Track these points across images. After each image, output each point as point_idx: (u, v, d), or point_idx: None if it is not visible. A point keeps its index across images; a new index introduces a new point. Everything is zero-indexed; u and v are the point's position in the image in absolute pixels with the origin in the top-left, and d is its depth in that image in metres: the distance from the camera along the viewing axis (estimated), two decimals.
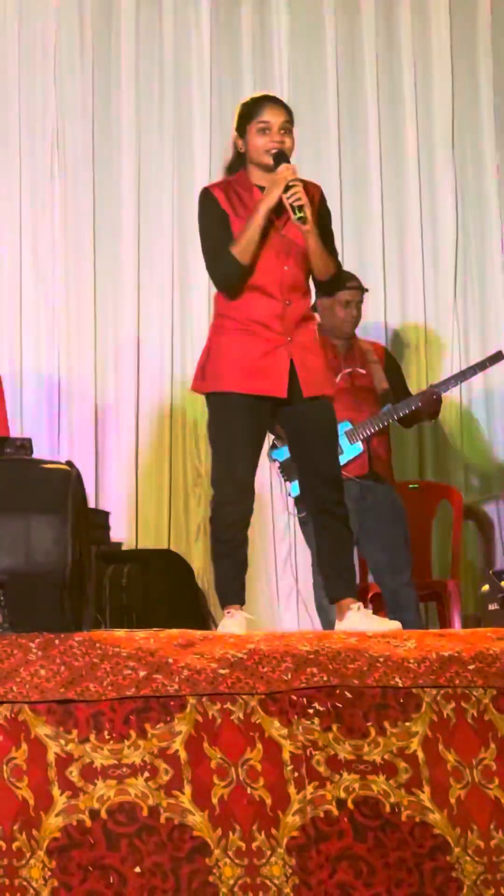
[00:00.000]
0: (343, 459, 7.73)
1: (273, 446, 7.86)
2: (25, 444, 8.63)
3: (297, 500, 7.72)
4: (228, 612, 6.22)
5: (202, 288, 9.63)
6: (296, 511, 7.92)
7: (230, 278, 6.30)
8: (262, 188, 6.32)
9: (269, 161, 6.30)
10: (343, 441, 7.80)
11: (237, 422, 6.29)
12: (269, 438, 7.41)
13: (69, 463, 5.42)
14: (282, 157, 6.24)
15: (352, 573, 6.43)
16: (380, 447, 8.02)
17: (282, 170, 6.21)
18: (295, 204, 6.15)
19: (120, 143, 9.80)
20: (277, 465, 7.96)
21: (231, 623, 6.15)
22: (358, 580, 7.78)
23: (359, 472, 7.92)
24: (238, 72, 9.95)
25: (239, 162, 6.48)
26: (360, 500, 7.90)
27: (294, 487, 7.84)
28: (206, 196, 6.45)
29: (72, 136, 9.75)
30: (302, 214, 6.15)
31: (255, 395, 6.26)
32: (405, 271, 9.96)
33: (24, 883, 4.43)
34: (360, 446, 7.88)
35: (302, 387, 6.28)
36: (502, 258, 10.07)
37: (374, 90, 10.00)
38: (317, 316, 6.48)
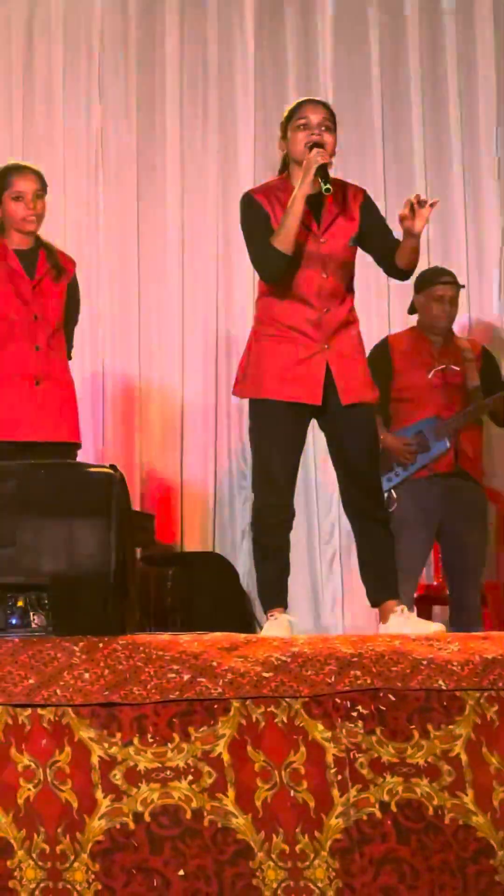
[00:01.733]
0: (430, 456, 7.79)
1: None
2: (71, 448, 8.66)
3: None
4: (272, 616, 6.23)
5: (246, 288, 9.64)
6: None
7: (276, 269, 6.30)
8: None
9: (304, 156, 6.31)
10: (430, 437, 7.82)
11: (275, 428, 6.32)
12: None
13: (113, 467, 5.43)
14: (316, 145, 6.25)
15: (394, 575, 6.43)
16: (468, 444, 7.98)
17: (312, 154, 6.22)
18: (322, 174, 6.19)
19: (164, 145, 9.82)
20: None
21: (274, 626, 6.16)
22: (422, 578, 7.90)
23: (445, 468, 7.92)
24: (282, 74, 9.96)
25: (284, 167, 6.51)
26: (445, 497, 7.91)
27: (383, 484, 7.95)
28: (248, 200, 6.47)
29: (115, 138, 9.78)
30: (328, 186, 6.16)
31: (291, 401, 6.28)
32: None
33: (68, 886, 4.45)
34: (447, 443, 7.87)
35: (340, 395, 6.30)
36: None
37: (419, 93, 9.99)
38: (358, 321, 6.47)
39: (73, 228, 9.67)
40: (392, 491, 7.87)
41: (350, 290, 6.46)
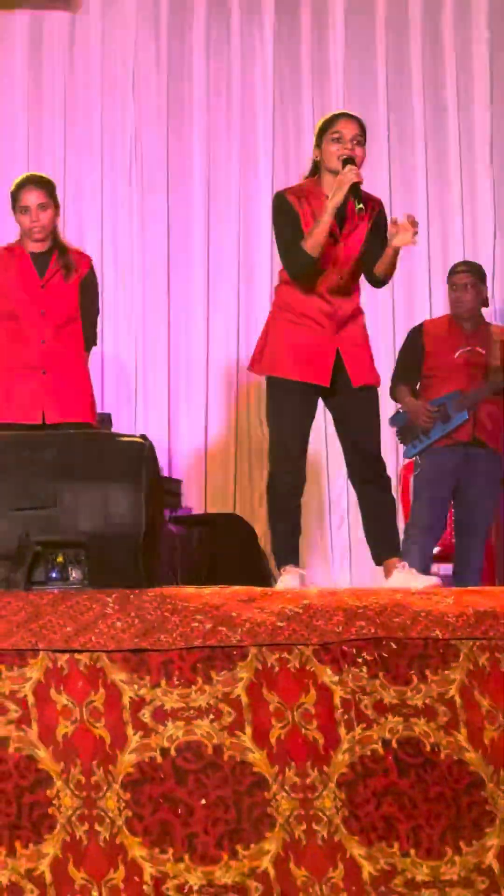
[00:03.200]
0: (450, 425, 7.82)
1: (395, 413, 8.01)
2: (106, 420, 8.67)
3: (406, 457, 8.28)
4: (285, 571, 6.23)
5: (264, 279, 9.67)
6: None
7: (303, 269, 6.27)
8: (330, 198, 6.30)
9: (339, 166, 6.27)
10: (452, 409, 7.85)
11: (289, 403, 6.32)
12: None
13: (143, 436, 5.42)
14: (349, 161, 6.21)
15: (396, 535, 6.44)
16: (486, 417, 7.98)
17: (346, 171, 6.18)
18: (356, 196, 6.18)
19: (192, 151, 9.86)
20: (396, 430, 8.08)
21: (287, 580, 6.17)
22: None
23: (464, 437, 7.93)
24: (297, 84, 9.98)
25: (314, 172, 6.45)
26: (463, 463, 7.93)
27: (407, 452, 8.17)
28: (281, 199, 6.42)
29: (148, 145, 9.81)
30: (361, 206, 6.14)
31: (304, 381, 6.27)
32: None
33: (102, 813, 4.43)
34: (465, 414, 7.88)
35: (351, 378, 6.29)
36: None
37: (421, 102, 10.00)
38: (363, 312, 6.48)
39: (110, 225, 9.70)
40: (417, 457, 7.95)
41: (357, 285, 6.46)
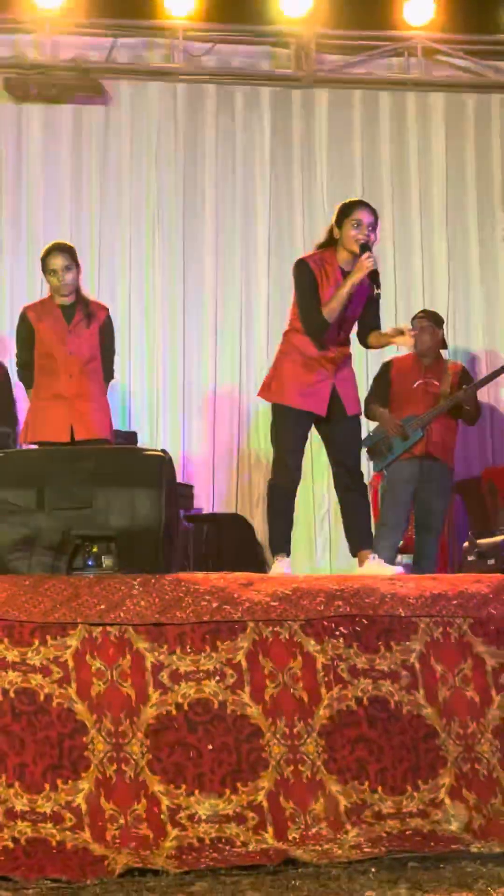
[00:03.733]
0: (409, 442, 7.83)
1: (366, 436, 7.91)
2: (131, 437, 8.67)
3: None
4: (279, 559, 6.22)
5: (262, 322, 9.68)
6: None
7: (319, 331, 6.25)
8: (343, 270, 6.26)
9: (357, 249, 6.24)
10: (409, 429, 7.85)
11: (290, 426, 6.30)
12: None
13: (163, 450, 5.42)
14: (366, 247, 6.19)
15: (368, 531, 6.41)
16: (435, 434, 7.98)
17: (364, 258, 6.17)
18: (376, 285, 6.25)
19: (204, 218, 9.82)
20: (366, 450, 7.95)
21: (281, 566, 6.15)
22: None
23: (419, 452, 7.93)
24: (289, 165, 9.94)
25: (328, 243, 6.36)
26: (419, 473, 7.93)
27: (375, 466, 8.13)
28: (303, 266, 6.33)
29: (168, 213, 9.78)
30: (379, 291, 6.22)
31: (305, 410, 6.26)
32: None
33: (127, 756, 4.43)
34: (420, 432, 7.90)
35: (346, 408, 6.30)
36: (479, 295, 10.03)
37: (389, 181, 9.97)
38: (351, 355, 6.48)
39: (136, 278, 9.69)
40: (384, 470, 7.94)
41: (349, 339, 6.45)
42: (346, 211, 6.33)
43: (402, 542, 8.11)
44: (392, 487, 7.98)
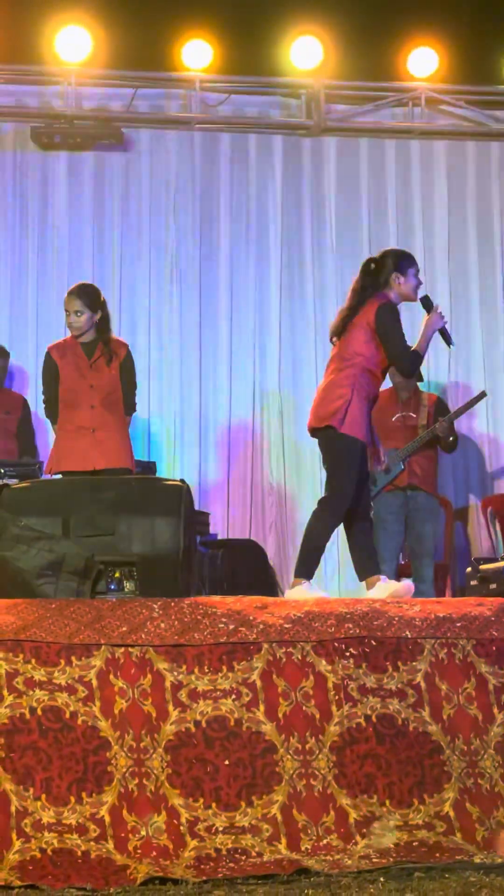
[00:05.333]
0: (392, 475, 7.85)
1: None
2: (151, 466, 8.69)
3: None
4: (308, 584, 6.17)
5: (275, 357, 9.69)
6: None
7: (417, 365, 6.42)
8: None
9: (416, 298, 6.39)
10: (391, 462, 7.87)
11: (358, 460, 6.26)
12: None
13: (182, 480, 5.45)
14: (428, 302, 6.41)
15: (375, 558, 6.38)
16: (416, 466, 8.03)
17: (437, 315, 6.34)
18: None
19: (219, 258, 9.84)
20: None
21: (310, 590, 6.11)
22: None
23: (402, 483, 7.96)
24: (300, 209, 9.96)
25: (374, 284, 6.37)
26: (405, 504, 7.96)
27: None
28: (394, 309, 6.34)
29: (185, 254, 9.79)
30: (452, 345, 6.53)
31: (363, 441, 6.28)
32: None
33: (148, 770, 4.45)
34: (401, 465, 7.93)
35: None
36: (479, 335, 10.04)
37: (395, 224, 9.98)
38: None
39: (155, 316, 9.72)
40: (370, 502, 7.95)
41: None
42: (409, 261, 6.41)
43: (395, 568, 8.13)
44: (382, 520, 7.96)
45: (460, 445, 8.92)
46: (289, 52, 9.68)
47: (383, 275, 6.35)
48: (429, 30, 9.69)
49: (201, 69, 9.68)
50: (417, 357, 6.34)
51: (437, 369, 9.84)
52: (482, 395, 8.77)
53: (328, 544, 6.35)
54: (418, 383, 8.35)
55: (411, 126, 10.01)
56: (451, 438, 8.29)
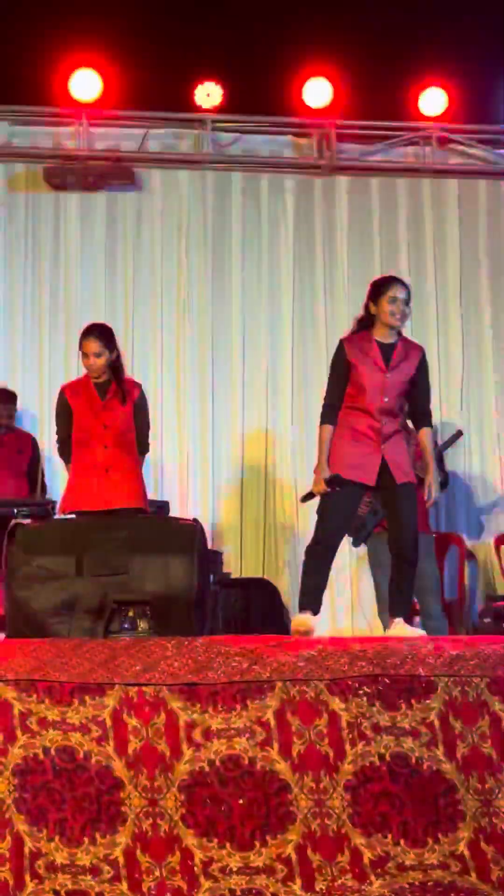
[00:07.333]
0: (380, 516, 7.79)
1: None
2: (164, 506, 8.71)
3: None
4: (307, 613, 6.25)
5: (287, 396, 9.72)
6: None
7: (324, 411, 6.50)
8: (381, 344, 6.37)
9: (394, 322, 6.36)
10: (377, 503, 7.81)
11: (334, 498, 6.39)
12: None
13: (195, 520, 5.46)
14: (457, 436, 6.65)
15: (403, 599, 6.43)
16: None
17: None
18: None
19: (231, 298, 9.89)
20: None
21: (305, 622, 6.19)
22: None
23: None
24: (311, 248, 10.01)
25: (368, 320, 6.48)
26: None
27: (354, 542, 7.89)
28: (339, 345, 6.49)
29: (197, 293, 9.85)
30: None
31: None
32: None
33: (162, 810, 4.44)
34: None
35: (394, 475, 6.34)
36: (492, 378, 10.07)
37: (406, 262, 10.03)
38: (404, 429, 6.54)
39: (168, 355, 9.76)
40: (364, 545, 7.93)
41: (401, 412, 6.50)
42: (381, 287, 6.42)
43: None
44: (380, 562, 7.92)
45: (474, 482, 8.94)
46: (300, 92, 9.76)
47: (370, 309, 6.46)
48: (439, 69, 9.78)
49: (213, 109, 9.77)
50: (325, 407, 6.43)
51: (480, 409, 9.88)
52: (458, 434, 8.72)
53: (343, 583, 6.38)
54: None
55: (422, 165, 10.07)
56: (437, 477, 8.26)
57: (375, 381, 6.34)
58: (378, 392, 6.33)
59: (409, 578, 6.38)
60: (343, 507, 6.40)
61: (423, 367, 6.45)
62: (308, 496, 6.58)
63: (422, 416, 6.54)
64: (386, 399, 6.34)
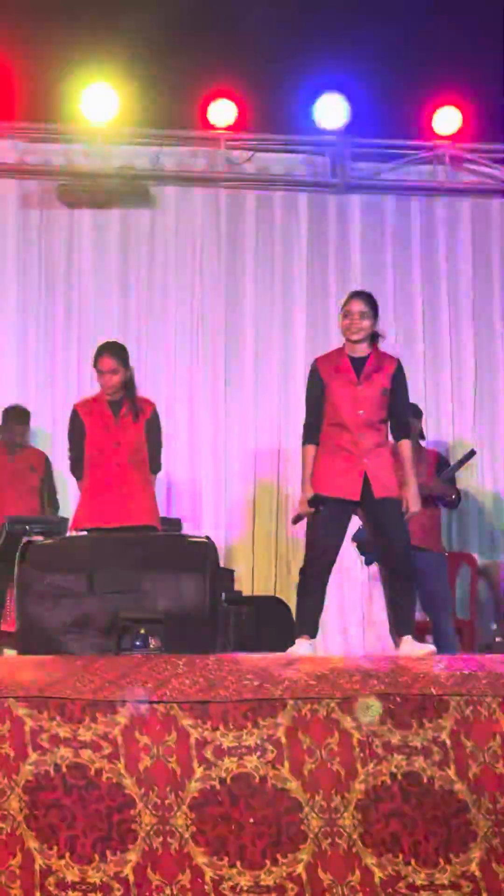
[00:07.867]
0: None
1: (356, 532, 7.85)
2: (176, 523, 8.72)
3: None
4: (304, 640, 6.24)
5: (299, 414, 9.66)
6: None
7: (305, 430, 6.60)
8: (350, 357, 6.39)
9: (351, 336, 6.38)
10: None
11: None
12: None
13: (207, 537, 5.47)
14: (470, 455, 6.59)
15: (408, 616, 6.40)
16: (416, 525, 7.95)
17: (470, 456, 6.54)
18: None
19: (244, 312, 9.91)
20: (356, 544, 7.88)
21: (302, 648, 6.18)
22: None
23: None
24: (325, 266, 10.03)
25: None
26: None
27: (367, 560, 7.92)
28: (312, 365, 6.53)
29: (211, 311, 9.87)
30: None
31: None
32: (441, 405, 9.97)
33: (173, 828, 4.44)
34: None
35: (373, 489, 6.29)
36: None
37: (420, 280, 10.05)
38: (391, 443, 6.50)
39: (181, 373, 9.78)
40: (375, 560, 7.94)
41: (382, 425, 6.43)
42: (343, 302, 6.49)
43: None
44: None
45: (486, 501, 8.94)
46: (314, 110, 9.79)
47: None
48: (453, 88, 9.80)
49: (226, 127, 9.80)
50: (305, 427, 6.49)
51: (491, 426, 9.88)
52: (471, 453, 8.71)
53: (354, 600, 6.38)
54: (421, 440, 8.32)
55: (436, 184, 10.09)
56: (453, 496, 8.25)
57: (347, 395, 6.34)
58: (351, 405, 6.33)
59: (406, 594, 6.33)
60: (330, 526, 6.35)
61: (398, 378, 6.43)
62: (296, 518, 6.60)
63: (400, 427, 6.49)
64: (361, 412, 6.32)
